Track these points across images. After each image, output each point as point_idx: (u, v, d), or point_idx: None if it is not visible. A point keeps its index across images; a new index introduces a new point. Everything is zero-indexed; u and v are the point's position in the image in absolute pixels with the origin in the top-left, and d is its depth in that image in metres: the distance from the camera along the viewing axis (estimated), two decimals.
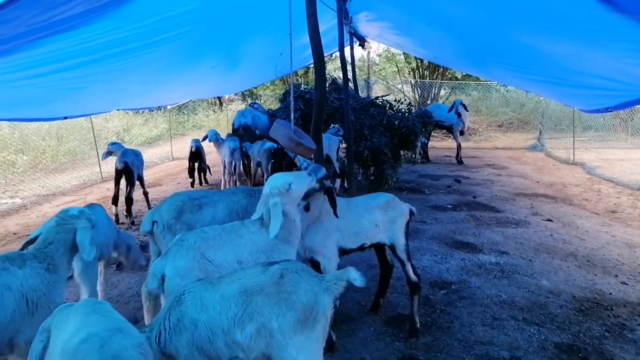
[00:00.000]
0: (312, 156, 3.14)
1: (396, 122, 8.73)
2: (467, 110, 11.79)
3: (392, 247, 3.72)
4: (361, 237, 3.59)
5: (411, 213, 3.90)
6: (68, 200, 8.89)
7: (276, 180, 2.98)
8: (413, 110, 10.01)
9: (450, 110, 11.70)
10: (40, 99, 6.54)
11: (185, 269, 2.68)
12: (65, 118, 8.69)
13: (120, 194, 7.13)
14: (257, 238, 2.96)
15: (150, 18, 4.91)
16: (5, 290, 2.42)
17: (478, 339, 3.59)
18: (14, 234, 6.80)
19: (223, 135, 10.42)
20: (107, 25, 4.51)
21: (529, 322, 3.83)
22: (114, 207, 7.13)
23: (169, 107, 15.14)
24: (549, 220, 6.73)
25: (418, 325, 3.67)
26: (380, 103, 9.53)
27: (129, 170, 6.87)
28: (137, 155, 7.20)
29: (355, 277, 2.35)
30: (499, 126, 19.60)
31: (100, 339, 1.69)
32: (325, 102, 3.52)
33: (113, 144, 8.01)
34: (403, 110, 9.46)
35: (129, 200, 7.01)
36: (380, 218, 3.64)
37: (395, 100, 9.85)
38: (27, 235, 6.62)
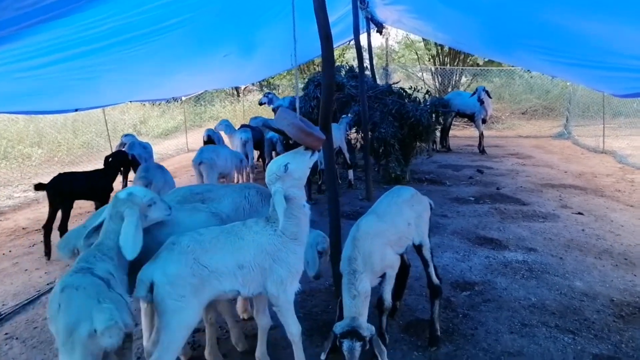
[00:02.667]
0: (321, 147, 2.85)
1: (405, 111, 8.23)
2: (490, 97, 11.28)
3: (419, 247, 3.40)
4: (404, 241, 3.27)
5: (430, 207, 3.57)
6: None
7: (272, 165, 2.73)
8: (428, 99, 9.34)
9: (472, 96, 11.22)
10: (48, 90, 6.37)
11: (176, 276, 2.43)
12: (77, 110, 8.55)
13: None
14: (261, 239, 2.71)
15: (152, 2, 4.64)
16: None
17: (505, 349, 3.25)
18: (23, 228, 6.68)
19: (237, 126, 10.24)
20: (106, 11, 4.26)
21: (562, 330, 3.47)
22: None
23: (183, 98, 14.97)
24: (579, 213, 6.30)
25: (439, 333, 3.36)
26: (395, 91, 9.09)
27: (136, 163, 6.66)
28: (146, 147, 6.99)
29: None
30: (522, 113, 18.93)
31: None
32: (333, 87, 3.20)
33: (126, 135, 7.85)
34: (418, 99, 8.94)
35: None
36: (409, 214, 3.31)
37: (410, 88, 9.41)
38: (37, 230, 6.50)
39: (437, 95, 19.94)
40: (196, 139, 15.07)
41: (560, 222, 5.94)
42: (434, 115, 8.93)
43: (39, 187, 5.39)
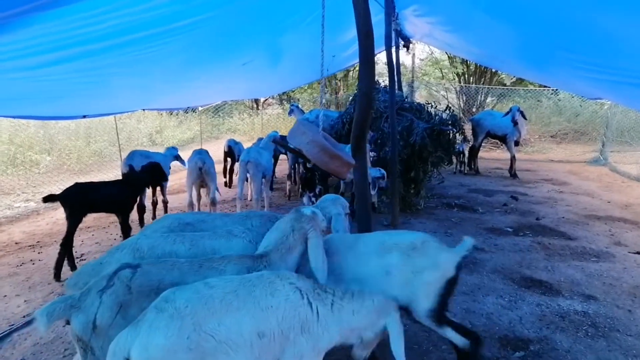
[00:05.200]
0: (349, 175, 2.23)
1: (412, 130, 7.31)
2: (526, 119, 10.53)
3: (407, 309, 2.57)
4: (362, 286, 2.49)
5: (458, 268, 2.56)
6: None
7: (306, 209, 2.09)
8: (444, 116, 8.09)
9: (505, 115, 10.49)
10: (50, 94, 5.88)
11: (163, 350, 1.72)
12: (85, 117, 8.06)
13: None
14: (295, 297, 2.05)
15: None
16: None
17: None
18: (16, 243, 6.12)
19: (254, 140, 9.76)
20: (110, 3, 3.72)
21: None
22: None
23: (200, 108, 14.52)
24: (638, 253, 5.51)
25: None
26: (409, 106, 8.24)
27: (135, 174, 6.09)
28: (148, 157, 6.40)
29: None
30: (551, 137, 18.09)
31: None
32: (372, 95, 2.55)
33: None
34: (438, 115, 8.05)
35: (141, 208, 6.23)
36: (396, 263, 2.51)
37: (427, 103, 8.63)
38: (31, 246, 5.94)
39: (460, 116, 19.41)
40: (213, 151, 14.55)
41: (618, 264, 5.15)
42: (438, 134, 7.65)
43: (48, 199, 4.85)
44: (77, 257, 5.44)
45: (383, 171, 6.32)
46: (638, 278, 4.73)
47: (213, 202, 6.67)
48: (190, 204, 6.64)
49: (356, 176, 2.54)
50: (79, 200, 4.97)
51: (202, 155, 6.79)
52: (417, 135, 7.16)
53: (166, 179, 6.10)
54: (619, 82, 6.47)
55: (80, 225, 6.92)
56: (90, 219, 7.30)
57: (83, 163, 11.75)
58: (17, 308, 4.13)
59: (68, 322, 1.92)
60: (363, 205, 2.74)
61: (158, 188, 7.32)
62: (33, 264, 5.29)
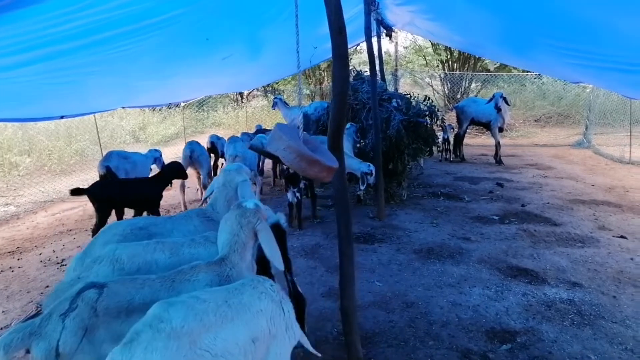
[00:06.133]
0: (331, 178, 2.16)
1: (386, 122, 7.25)
2: (509, 104, 10.52)
3: None
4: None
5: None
6: (66, 208, 8.10)
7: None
8: (422, 107, 7.95)
9: (488, 102, 10.48)
10: (23, 96, 5.72)
11: None
12: (62, 117, 7.87)
13: None
14: (278, 298, 2.10)
15: None
16: None
17: None
18: None
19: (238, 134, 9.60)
20: (73, 4, 3.58)
21: None
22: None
23: (182, 104, 14.29)
24: (622, 237, 5.54)
25: None
26: (387, 97, 8.13)
27: (114, 176, 5.97)
28: (127, 157, 6.27)
29: None
30: (535, 121, 18.19)
31: None
32: (347, 91, 2.48)
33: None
34: (416, 105, 7.97)
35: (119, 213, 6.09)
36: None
37: (406, 94, 8.57)
38: (10, 252, 5.81)
39: (444, 102, 19.39)
40: None
41: (603, 248, 5.18)
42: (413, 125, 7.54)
43: (75, 192, 5.07)
44: (57, 263, 5.33)
45: (372, 167, 6.22)
46: (622, 262, 4.75)
47: (204, 187, 7.23)
48: (182, 186, 7.50)
49: (335, 175, 2.47)
50: (107, 196, 5.20)
51: (192, 145, 7.54)
52: (392, 128, 7.12)
53: (186, 177, 6.27)
54: (599, 68, 6.48)
55: (61, 228, 6.83)
56: (71, 221, 7.18)
57: (64, 163, 11.52)
58: None
59: (28, 351, 1.81)
60: (342, 207, 2.67)
61: None
62: (12, 271, 5.17)
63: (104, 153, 10.49)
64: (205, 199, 3.24)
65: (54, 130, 12.41)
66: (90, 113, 8.86)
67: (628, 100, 11.01)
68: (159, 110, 18.65)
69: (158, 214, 5.56)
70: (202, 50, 6.80)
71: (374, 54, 6.60)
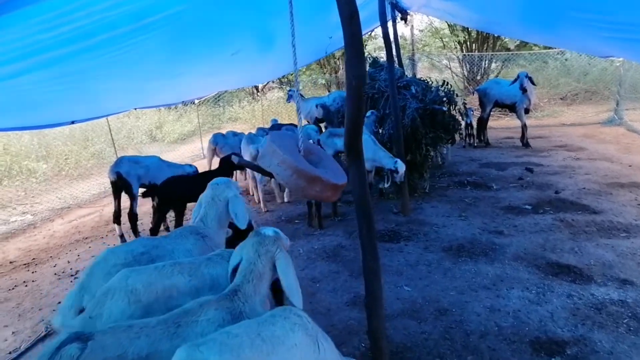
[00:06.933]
0: (338, 196, 1.85)
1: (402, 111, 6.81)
2: (534, 84, 9.97)
3: None
4: None
5: None
6: (82, 214, 7.96)
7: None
8: (440, 93, 7.48)
9: (512, 83, 9.96)
10: (29, 103, 5.54)
11: None
12: (73, 122, 7.70)
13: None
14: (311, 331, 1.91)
15: None
16: None
17: None
18: (10, 262, 5.84)
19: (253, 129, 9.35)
20: (62, 6, 3.32)
21: None
22: (117, 226, 6.05)
23: (196, 101, 14.09)
24: None
25: None
26: (404, 84, 7.68)
27: (125, 182, 5.79)
28: (138, 162, 6.07)
29: None
30: (561, 99, 17.46)
31: None
32: (364, 81, 2.14)
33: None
34: (435, 90, 7.48)
35: (133, 217, 5.93)
36: None
37: (421, 80, 8.08)
38: (25, 264, 5.67)
39: (464, 85, 18.75)
40: None
41: None
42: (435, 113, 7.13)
43: (146, 194, 5.60)
44: (71, 275, 5.16)
45: (401, 164, 5.75)
46: None
47: None
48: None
49: (354, 182, 2.15)
50: (180, 193, 5.37)
51: (215, 137, 8.66)
52: (407, 117, 6.72)
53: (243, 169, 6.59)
54: (632, 40, 6.02)
55: (77, 237, 6.69)
56: (87, 228, 7.04)
57: (82, 167, 11.45)
58: (4, 342, 3.83)
59: None
60: (365, 216, 2.34)
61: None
62: (26, 285, 5.01)
63: (120, 154, 10.42)
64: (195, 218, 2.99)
65: (70, 134, 12.34)
66: (102, 116, 8.69)
67: None
68: (174, 108, 18.52)
69: None
70: (208, 47, 6.53)
71: (390, 40, 6.21)
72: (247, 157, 6.76)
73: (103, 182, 10.07)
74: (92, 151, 12.25)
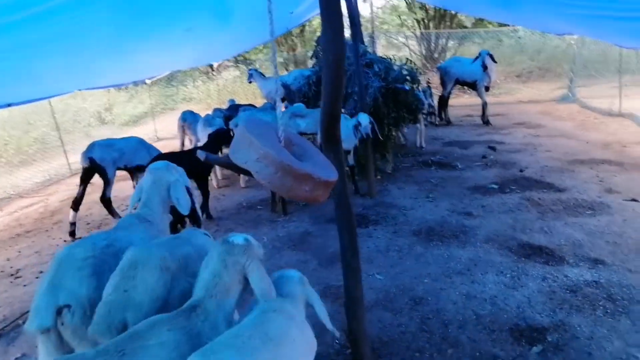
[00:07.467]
0: (327, 197, 1.60)
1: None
2: (495, 62, 9.95)
3: None
4: None
5: None
6: (24, 205, 7.36)
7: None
8: (403, 72, 7.17)
9: (474, 61, 9.91)
10: None
11: None
12: (10, 105, 7.04)
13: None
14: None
15: None
16: None
17: None
18: None
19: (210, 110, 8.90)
20: None
21: None
22: (72, 212, 5.55)
23: (148, 81, 13.34)
24: (633, 200, 5.15)
25: None
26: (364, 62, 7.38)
27: (99, 168, 5.38)
28: (111, 145, 5.67)
29: None
30: (517, 76, 17.71)
31: None
32: (343, 65, 1.87)
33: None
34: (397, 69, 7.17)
35: (106, 201, 5.55)
36: None
37: (386, 57, 7.78)
38: None
39: (422, 63, 18.68)
40: (168, 124, 13.48)
41: (617, 215, 4.77)
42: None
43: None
44: (11, 275, 4.69)
45: (361, 115, 5.50)
46: None
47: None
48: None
49: (329, 147, 1.90)
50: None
51: (184, 114, 8.33)
52: (369, 96, 6.49)
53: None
54: (596, 17, 6.02)
55: (18, 230, 6.15)
56: (30, 220, 6.50)
57: (23, 153, 10.63)
58: None
59: None
60: (345, 213, 2.10)
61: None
62: None
63: (64, 139, 9.70)
64: (135, 204, 2.73)
65: (9, 118, 11.43)
66: (43, 99, 8.01)
67: (615, 49, 10.55)
68: (125, 88, 17.56)
69: (207, 185, 5.68)
70: (160, 22, 6.05)
71: (353, 14, 5.92)
72: (204, 141, 6.34)
73: (47, 168, 9.39)
74: (34, 136, 11.40)
